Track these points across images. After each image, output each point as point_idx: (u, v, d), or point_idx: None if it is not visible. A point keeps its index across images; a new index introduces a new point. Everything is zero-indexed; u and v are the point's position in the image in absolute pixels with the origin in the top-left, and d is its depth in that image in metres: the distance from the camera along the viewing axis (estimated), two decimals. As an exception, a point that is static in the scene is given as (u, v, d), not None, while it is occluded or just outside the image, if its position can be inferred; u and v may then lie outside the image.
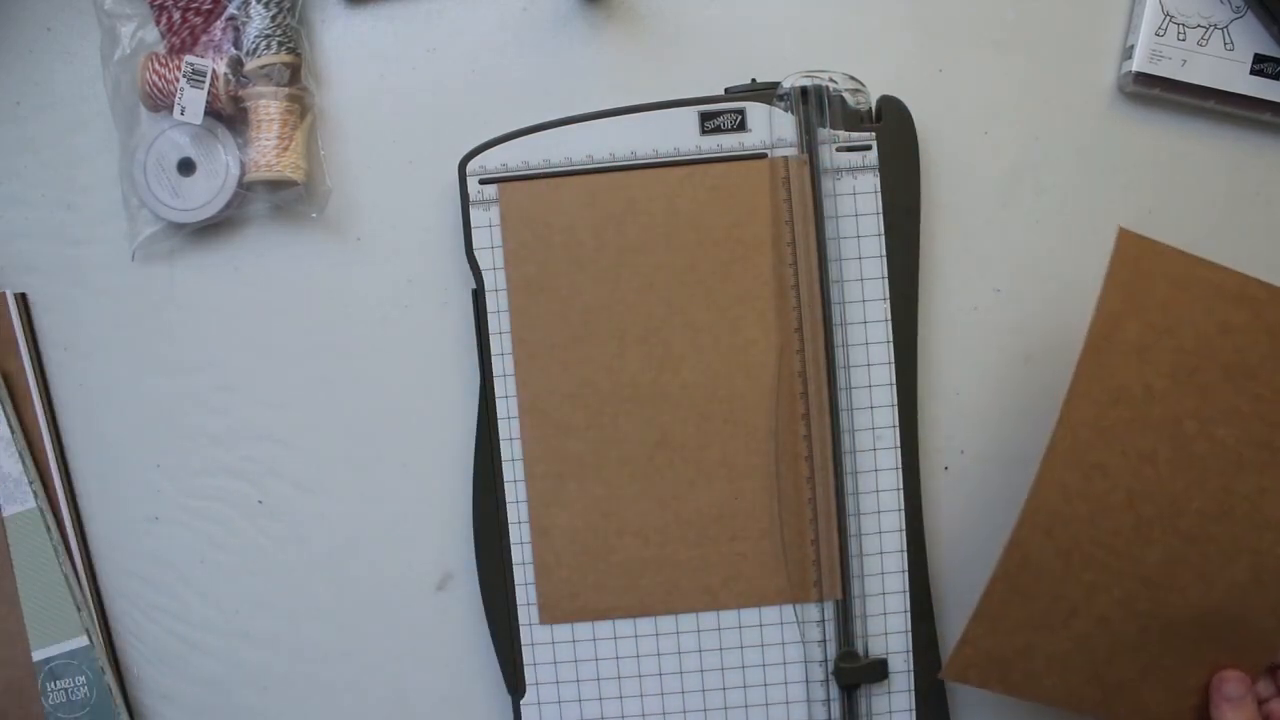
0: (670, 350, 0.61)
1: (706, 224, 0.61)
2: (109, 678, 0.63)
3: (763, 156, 0.61)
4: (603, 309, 0.61)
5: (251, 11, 0.61)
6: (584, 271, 0.61)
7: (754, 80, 0.62)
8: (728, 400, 0.61)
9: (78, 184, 0.65)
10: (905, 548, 0.62)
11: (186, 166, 0.63)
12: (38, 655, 0.63)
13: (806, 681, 0.62)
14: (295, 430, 0.65)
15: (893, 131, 0.62)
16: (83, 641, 0.63)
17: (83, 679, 0.63)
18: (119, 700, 0.63)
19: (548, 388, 0.61)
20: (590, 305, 0.61)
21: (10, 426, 0.63)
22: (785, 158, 0.61)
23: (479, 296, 0.62)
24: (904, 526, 0.62)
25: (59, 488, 0.64)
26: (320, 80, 0.64)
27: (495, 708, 0.65)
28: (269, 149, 0.61)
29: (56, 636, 0.63)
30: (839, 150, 0.61)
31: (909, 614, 0.62)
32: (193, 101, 0.61)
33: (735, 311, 0.61)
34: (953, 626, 0.64)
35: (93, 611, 0.64)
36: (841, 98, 0.61)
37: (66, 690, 0.63)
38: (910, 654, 0.62)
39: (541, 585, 0.62)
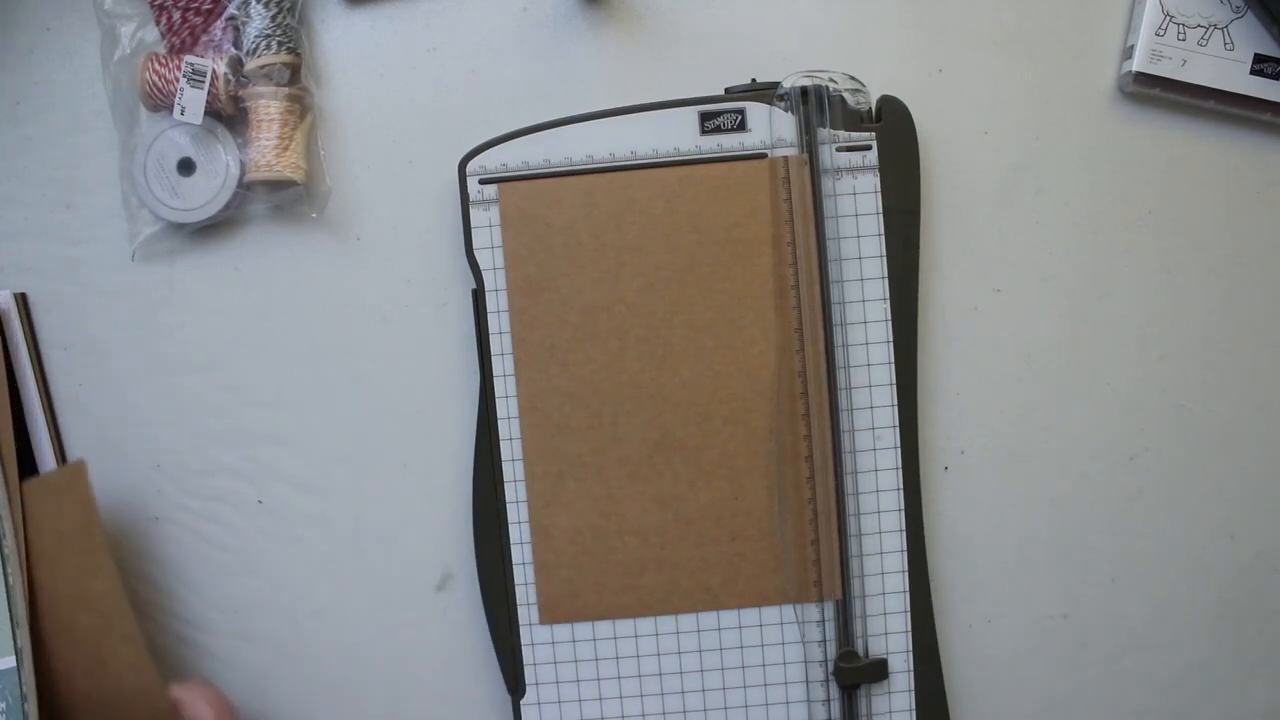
0: (670, 350, 0.61)
1: (706, 224, 0.61)
2: (31, 704, 0.55)
3: (763, 156, 0.61)
4: (603, 309, 0.61)
5: (251, 11, 0.61)
6: (584, 271, 0.61)
7: (754, 80, 0.62)
8: (728, 400, 0.61)
9: (78, 184, 0.65)
10: (905, 548, 0.62)
11: (186, 166, 0.63)
12: None
13: (806, 681, 0.62)
14: (295, 430, 0.65)
15: (893, 131, 0.62)
16: (9, 663, 0.56)
17: (2, 705, 0.55)
18: None
19: (548, 388, 0.61)
20: (590, 305, 0.61)
21: None
22: (785, 158, 0.61)
23: (479, 296, 0.62)
24: (904, 526, 0.62)
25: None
26: (320, 80, 0.64)
27: (495, 708, 0.65)
28: (269, 149, 0.61)
29: None
30: (839, 150, 0.61)
31: (909, 614, 0.62)
32: (193, 101, 0.61)
33: (735, 311, 0.61)
34: (953, 626, 0.64)
35: (27, 630, 0.57)
36: (841, 98, 0.61)
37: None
38: (910, 654, 0.62)
39: (541, 585, 0.62)
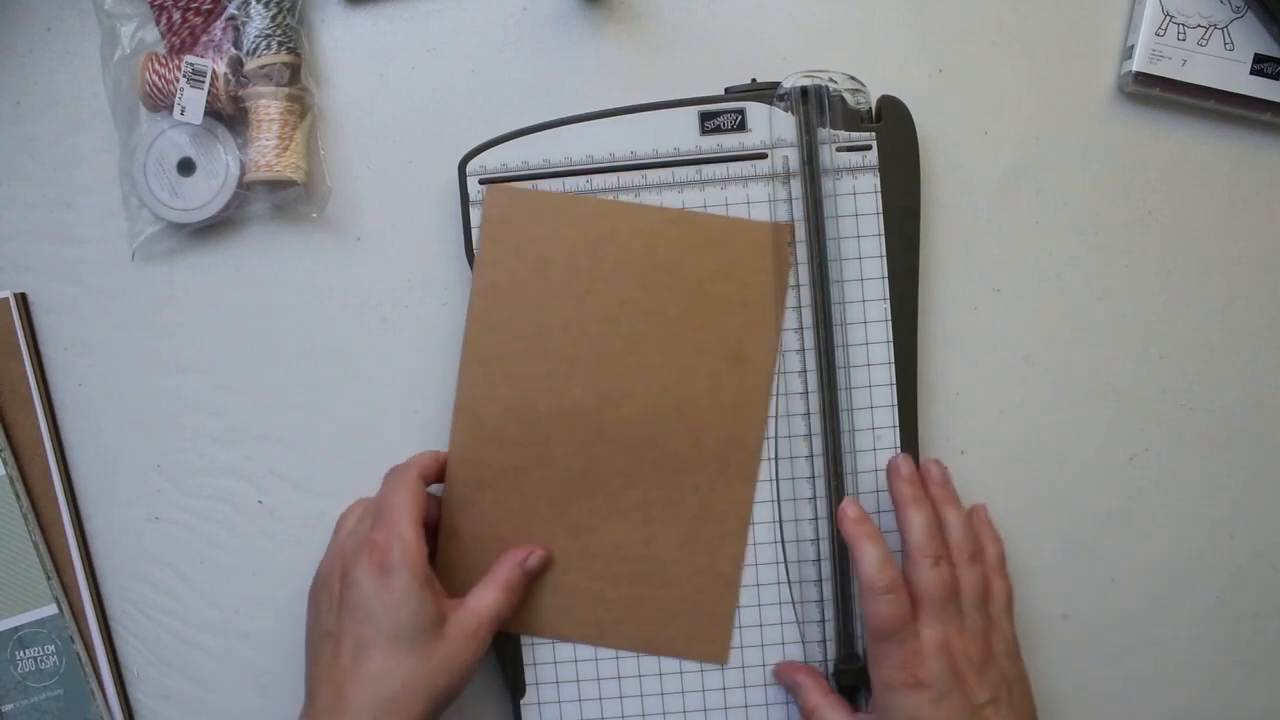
0: (617, 386, 0.61)
1: (681, 271, 0.60)
2: (78, 646, 0.63)
3: (763, 156, 0.61)
4: (560, 330, 0.61)
5: (251, 11, 0.61)
6: (550, 290, 0.61)
7: (754, 80, 0.62)
8: (661, 447, 0.61)
9: (78, 184, 0.65)
10: (905, 548, 0.62)
11: (186, 166, 0.63)
12: (5, 624, 0.63)
13: (806, 681, 0.62)
14: (295, 430, 0.65)
15: (893, 131, 0.62)
16: (52, 610, 0.63)
17: (51, 647, 0.63)
18: (89, 669, 0.63)
19: (488, 395, 0.61)
20: (549, 324, 0.61)
21: None
22: (790, 223, 0.61)
23: (479, 296, 0.62)
24: (904, 526, 0.62)
25: (59, 487, 0.64)
26: (320, 80, 0.64)
27: (495, 708, 0.65)
28: (269, 149, 0.61)
29: (25, 604, 0.63)
30: (839, 150, 0.61)
31: (909, 614, 0.62)
32: (193, 101, 0.61)
33: (690, 364, 0.61)
34: (953, 626, 0.64)
35: (61, 581, 0.63)
36: (841, 98, 0.61)
37: (35, 659, 0.63)
38: (910, 654, 0.62)
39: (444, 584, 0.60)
